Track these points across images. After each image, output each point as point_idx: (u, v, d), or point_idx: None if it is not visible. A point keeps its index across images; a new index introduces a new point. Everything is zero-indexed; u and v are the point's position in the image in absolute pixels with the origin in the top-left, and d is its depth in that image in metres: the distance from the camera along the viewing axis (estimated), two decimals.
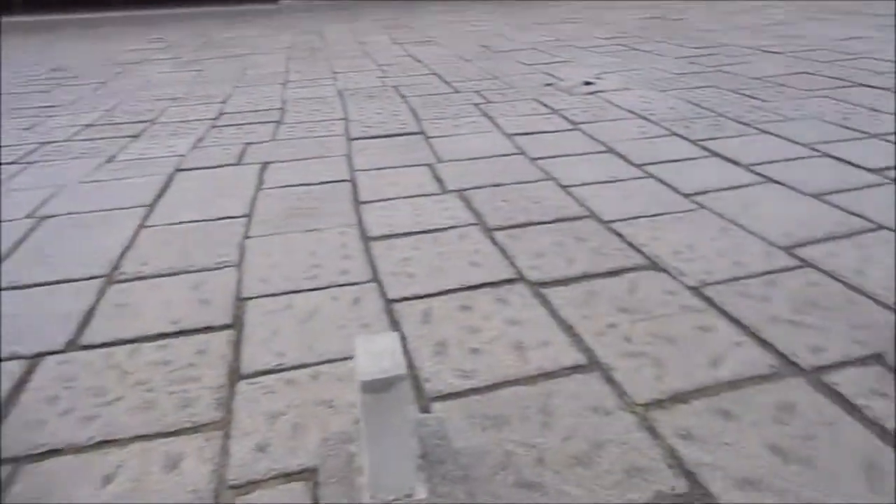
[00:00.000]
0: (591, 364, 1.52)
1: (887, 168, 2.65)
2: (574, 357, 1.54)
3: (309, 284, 1.93)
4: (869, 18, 7.22)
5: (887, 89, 3.98)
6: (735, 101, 3.87)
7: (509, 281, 1.89)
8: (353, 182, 2.79)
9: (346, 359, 1.56)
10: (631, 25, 7.61)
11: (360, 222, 2.36)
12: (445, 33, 7.59)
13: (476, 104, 4.08)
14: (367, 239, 2.22)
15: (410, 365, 1.54)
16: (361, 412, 1.01)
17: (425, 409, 1.39)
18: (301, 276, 1.98)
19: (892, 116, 3.38)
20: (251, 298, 1.87)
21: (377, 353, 1.03)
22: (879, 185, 2.49)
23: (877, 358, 1.49)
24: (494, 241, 2.15)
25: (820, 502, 1.12)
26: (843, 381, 1.42)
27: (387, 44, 6.97)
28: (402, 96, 4.38)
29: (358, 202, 2.56)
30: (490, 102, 4.12)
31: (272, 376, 1.52)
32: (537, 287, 1.85)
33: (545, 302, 1.77)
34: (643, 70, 4.98)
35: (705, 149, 3.01)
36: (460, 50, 6.28)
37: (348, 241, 2.21)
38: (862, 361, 1.48)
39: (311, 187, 2.75)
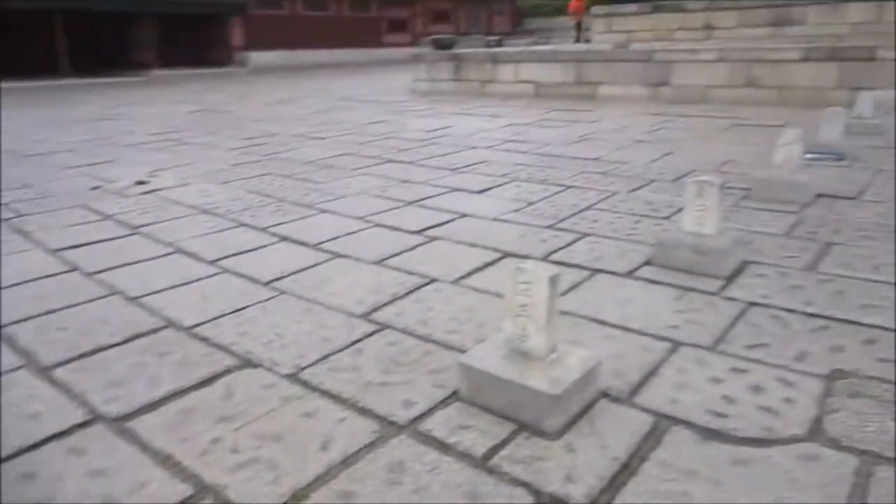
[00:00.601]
0: (201, 491, 1.36)
1: (426, 228, 3.12)
2: (179, 490, 1.36)
3: None
4: (380, 105, 8.60)
5: (411, 162, 4.75)
6: (292, 186, 4.12)
7: (82, 425, 1.59)
8: None
9: None
10: (178, 120, 7.52)
11: None
12: None
13: (5, 219, 3.44)
14: None
15: None
16: None
17: None
18: None
19: (420, 185, 4.03)
20: None
21: None
22: (423, 244, 2.92)
23: (455, 394, 1.69)
24: (54, 381, 1.79)
25: None
26: (435, 425, 1.57)
27: None
28: None
29: None
30: (24, 216, 3.52)
31: None
32: (119, 422, 1.60)
33: (133, 438, 1.54)
34: (199, 164, 4.94)
35: (274, 234, 3.10)
36: None
37: None
38: (444, 402, 1.66)
39: None
